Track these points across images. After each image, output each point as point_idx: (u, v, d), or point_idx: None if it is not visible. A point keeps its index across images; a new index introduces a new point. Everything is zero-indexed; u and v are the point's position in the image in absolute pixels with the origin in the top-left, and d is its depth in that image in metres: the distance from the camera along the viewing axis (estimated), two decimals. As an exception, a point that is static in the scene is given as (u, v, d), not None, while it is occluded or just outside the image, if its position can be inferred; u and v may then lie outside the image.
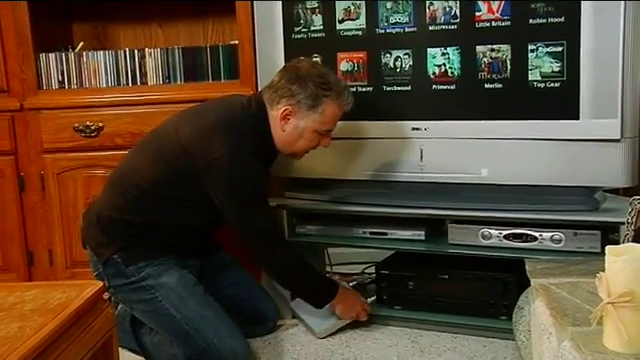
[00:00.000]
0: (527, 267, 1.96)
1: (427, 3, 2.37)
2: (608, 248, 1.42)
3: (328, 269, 2.91)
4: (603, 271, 1.38)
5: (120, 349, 2.33)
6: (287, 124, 2.27)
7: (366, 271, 2.96)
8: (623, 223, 1.92)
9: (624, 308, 1.35)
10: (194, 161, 2.19)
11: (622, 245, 1.46)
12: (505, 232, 2.33)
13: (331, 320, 2.46)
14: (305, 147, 2.33)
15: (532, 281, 1.87)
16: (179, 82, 2.80)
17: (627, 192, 2.27)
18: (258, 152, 2.23)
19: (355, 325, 2.51)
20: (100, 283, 1.69)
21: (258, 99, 2.31)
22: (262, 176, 2.26)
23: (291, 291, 2.53)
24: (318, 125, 2.28)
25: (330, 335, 2.46)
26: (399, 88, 2.45)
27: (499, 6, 2.27)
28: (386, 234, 2.53)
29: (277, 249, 2.29)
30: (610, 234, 2.22)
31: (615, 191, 2.38)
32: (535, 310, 1.82)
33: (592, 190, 2.31)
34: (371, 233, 2.56)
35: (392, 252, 2.66)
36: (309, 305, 2.44)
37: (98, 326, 1.60)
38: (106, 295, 1.67)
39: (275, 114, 2.27)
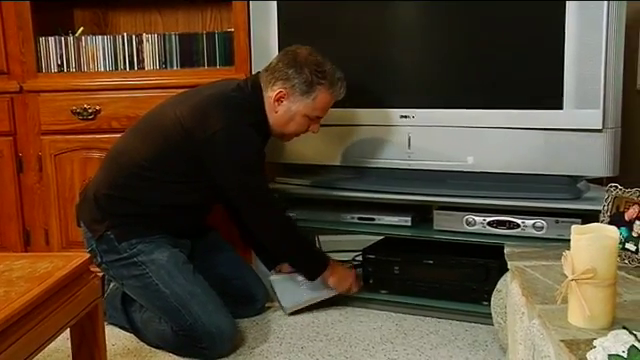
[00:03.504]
0: (506, 250, 2.01)
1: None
2: (573, 227, 1.46)
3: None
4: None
5: (111, 326, 2.42)
6: (280, 106, 2.35)
7: (356, 259, 3.00)
8: (603, 211, 1.96)
9: (587, 285, 1.40)
10: (193, 136, 2.26)
11: (587, 225, 1.50)
12: (489, 219, 2.38)
13: (301, 298, 2.53)
14: (295, 130, 2.40)
15: (509, 264, 1.92)
16: (175, 67, 2.84)
17: (610, 182, 2.31)
18: (255, 127, 2.31)
19: (341, 307, 2.58)
20: (86, 255, 1.75)
21: (254, 80, 2.39)
22: (260, 145, 2.34)
23: (288, 256, 2.53)
24: (309, 110, 2.35)
25: (314, 313, 2.53)
26: (388, 75, 2.50)
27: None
28: (374, 219, 2.58)
29: (276, 210, 2.40)
30: (591, 222, 2.25)
31: (599, 181, 2.42)
32: (510, 292, 1.87)
33: (575, 179, 2.35)
34: (359, 218, 2.61)
35: (380, 238, 2.71)
36: (287, 283, 2.53)
37: (83, 296, 1.66)
38: (98, 271, 1.73)
39: (270, 95, 2.35)
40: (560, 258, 1.85)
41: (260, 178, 2.34)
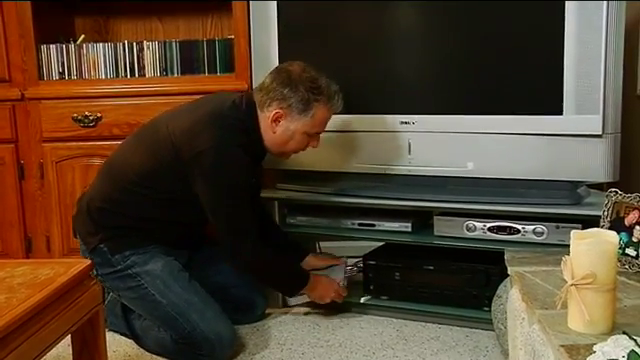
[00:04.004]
0: (506, 256, 2.01)
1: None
2: (573, 232, 1.47)
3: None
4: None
5: (112, 333, 2.42)
6: (278, 126, 2.32)
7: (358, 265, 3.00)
8: (603, 216, 1.96)
9: (586, 290, 1.40)
10: (181, 153, 2.24)
11: (587, 230, 1.51)
12: (489, 224, 2.38)
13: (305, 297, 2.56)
14: (294, 148, 2.39)
15: (509, 269, 1.92)
16: (176, 74, 2.85)
17: (610, 187, 2.31)
18: (245, 148, 2.27)
19: (342, 313, 2.58)
20: (87, 261, 1.75)
21: (249, 99, 2.36)
22: (247, 170, 2.29)
23: (261, 280, 2.53)
24: (308, 128, 2.34)
25: (315, 319, 2.55)
26: (388, 81, 2.51)
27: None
28: (374, 225, 2.59)
29: (247, 243, 2.30)
30: (592, 227, 2.26)
31: (599, 186, 2.42)
32: (511, 297, 1.87)
33: (575, 185, 2.35)
34: (360, 224, 2.61)
35: (381, 244, 2.71)
36: None
37: (84, 302, 1.66)
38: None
39: (266, 116, 2.32)
40: (560, 263, 1.87)
41: (239, 203, 2.27)
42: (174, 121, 2.31)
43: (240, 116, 2.31)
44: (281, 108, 2.30)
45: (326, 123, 2.39)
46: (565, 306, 1.45)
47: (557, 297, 1.49)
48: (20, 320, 1.38)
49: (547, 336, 1.45)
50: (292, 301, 2.58)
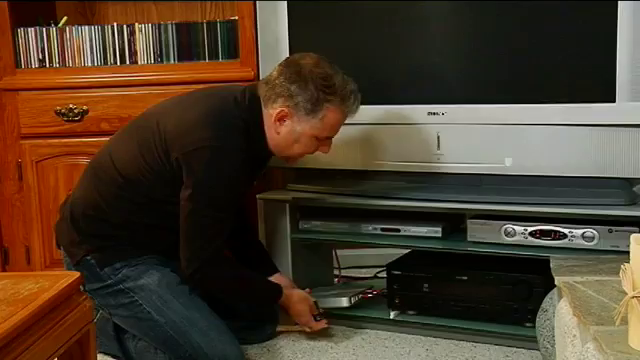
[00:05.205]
0: (552, 264, 1.99)
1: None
2: (633, 237, 1.44)
3: (336, 272, 2.96)
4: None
5: (102, 355, 2.41)
6: (282, 126, 2.30)
7: (378, 275, 3.00)
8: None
9: (650, 303, 1.37)
10: (172, 153, 2.23)
11: (650, 233, 1.48)
12: (531, 228, 2.36)
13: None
14: (300, 152, 2.36)
15: (556, 279, 1.90)
16: (172, 61, 2.85)
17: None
18: (246, 152, 2.26)
19: (362, 330, 2.58)
20: (77, 274, 1.74)
21: (253, 93, 2.34)
22: (239, 181, 2.28)
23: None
24: (317, 131, 2.31)
25: (332, 337, 2.54)
26: (414, 67, 2.49)
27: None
28: (399, 230, 2.57)
29: (209, 258, 2.25)
30: (651, 230, 2.24)
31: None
32: (559, 311, 1.85)
33: (629, 182, 2.33)
34: (382, 229, 2.60)
35: (407, 251, 2.70)
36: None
37: (73, 320, 1.64)
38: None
39: (270, 113, 2.30)
40: (616, 272, 1.84)
41: (221, 216, 2.24)
42: (166, 118, 2.30)
43: (242, 114, 2.30)
44: (287, 106, 2.27)
45: (338, 127, 2.36)
46: (625, 321, 1.43)
47: (615, 311, 1.46)
48: (3, 340, 1.36)
49: (604, 356, 1.43)
50: (347, 302, 2.55)
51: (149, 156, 2.27)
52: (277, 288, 2.43)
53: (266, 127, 2.32)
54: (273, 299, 2.43)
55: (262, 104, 2.32)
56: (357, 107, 2.34)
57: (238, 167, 2.24)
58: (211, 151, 2.20)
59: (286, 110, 2.28)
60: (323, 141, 2.35)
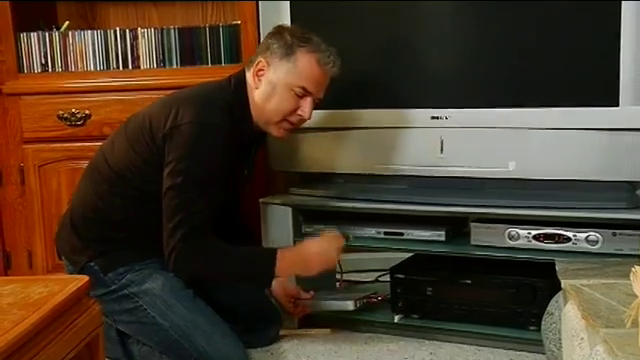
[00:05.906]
0: (557, 267, 1.99)
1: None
2: (645, 239, 1.44)
3: (338, 277, 2.95)
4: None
5: None
6: (260, 81, 2.32)
7: (379, 279, 3.00)
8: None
9: (662, 305, 1.38)
10: (157, 134, 2.24)
11: (660, 236, 1.49)
12: (535, 232, 2.35)
13: (318, 306, 2.57)
14: (277, 107, 2.30)
15: (562, 282, 1.90)
16: (175, 66, 2.86)
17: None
18: (231, 131, 2.25)
19: (366, 334, 2.57)
20: (85, 277, 1.73)
21: (238, 77, 2.37)
22: (221, 160, 2.24)
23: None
24: (292, 78, 2.28)
25: (336, 341, 2.52)
26: (417, 70, 2.49)
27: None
28: (402, 234, 2.56)
29: (182, 237, 2.19)
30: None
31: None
32: (566, 315, 1.85)
33: (633, 185, 2.34)
34: (385, 233, 2.59)
35: (410, 255, 2.70)
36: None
37: (83, 323, 1.64)
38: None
39: (252, 74, 2.33)
40: (622, 275, 1.85)
41: (204, 191, 2.21)
42: (151, 107, 2.34)
43: (226, 97, 2.31)
44: (264, 57, 2.31)
45: (316, 80, 2.30)
46: (636, 324, 1.43)
47: (626, 314, 1.47)
48: (15, 345, 1.36)
49: (616, 359, 1.43)
50: (352, 305, 2.52)
51: (137, 145, 2.29)
52: (271, 250, 2.36)
53: (250, 99, 2.33)
54: (268, 265, 2.27)
55: (247, 76, 2.34)
56: (333, 62, 2.31)
57: (220, 144, 2.23)
58: (192, 127, 2.20)
59: (263, 61, 2.31)
60: (302, 98, 2.31)
